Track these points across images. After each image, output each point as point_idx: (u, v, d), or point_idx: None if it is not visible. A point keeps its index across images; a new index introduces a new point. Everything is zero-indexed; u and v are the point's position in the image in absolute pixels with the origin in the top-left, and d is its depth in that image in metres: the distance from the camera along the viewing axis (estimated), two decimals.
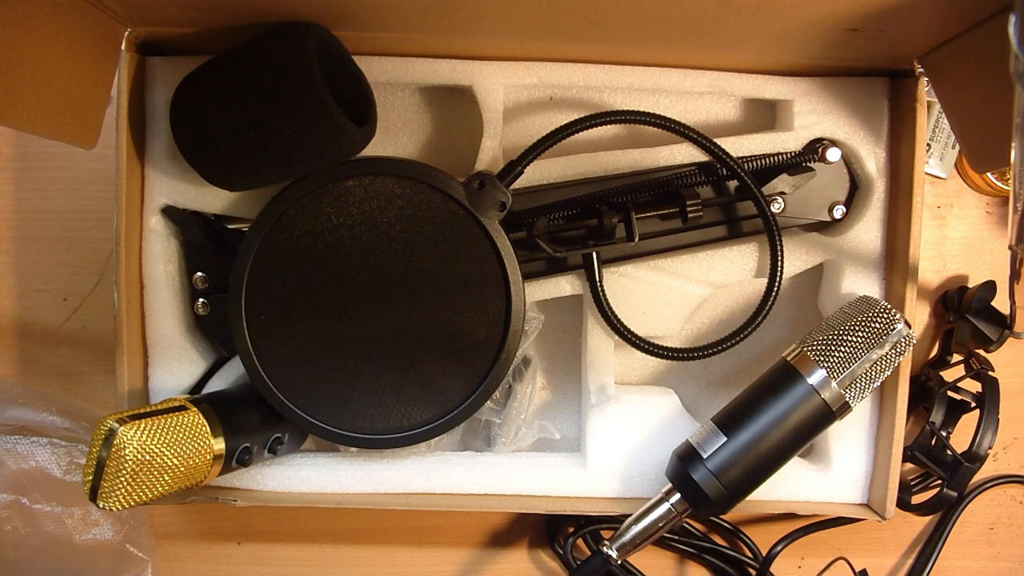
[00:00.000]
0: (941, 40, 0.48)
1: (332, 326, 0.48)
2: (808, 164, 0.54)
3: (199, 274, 0.53)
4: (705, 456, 0.48)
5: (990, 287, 0.58)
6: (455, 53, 0.52)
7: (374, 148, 0.48)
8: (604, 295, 0.52)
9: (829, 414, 0.48)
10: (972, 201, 0.63)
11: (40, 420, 0.56)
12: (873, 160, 0.54)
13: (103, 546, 0.57)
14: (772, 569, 0.58)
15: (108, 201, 0.50)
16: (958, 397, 0.58)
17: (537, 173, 0.54)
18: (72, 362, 0.60)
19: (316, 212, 0.47)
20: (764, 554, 0.59)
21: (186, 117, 0.46)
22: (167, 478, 0.41)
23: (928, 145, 0.61)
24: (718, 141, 0.50)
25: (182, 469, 0.42)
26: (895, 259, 0.54)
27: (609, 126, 0.56)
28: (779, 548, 0.58)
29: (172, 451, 0.41)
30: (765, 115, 0.58)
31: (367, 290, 0.48)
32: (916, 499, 0.58)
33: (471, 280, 0.48)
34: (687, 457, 0.49)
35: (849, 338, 0.48)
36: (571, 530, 0.59)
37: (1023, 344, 0.62)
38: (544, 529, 0.62)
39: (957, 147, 0.61)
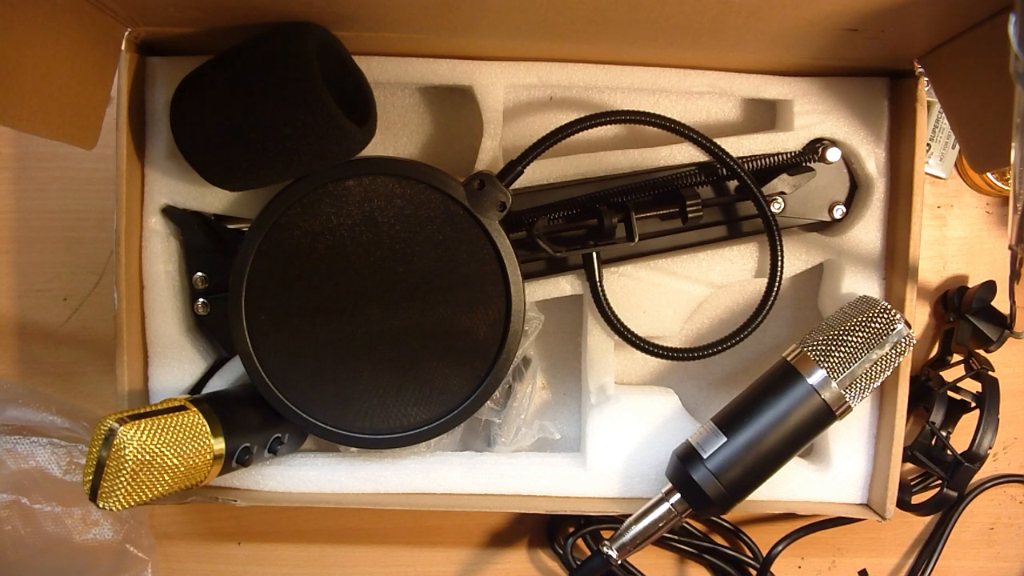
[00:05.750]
0: (941, 40, 0.48)
1: (332, 326, 0.48)
2: (808, 164, 0.54)
3: (199, 274, 0.53)
4: (705, 456, 0.48)
5: (990, 287, 0.58)
6: (455, 53, 0.52)
7: (374, 148, 0.48)
8: (604, 295, 0.52)
9: (829, 414, 0.48)
10: (972, 201, 0.63)
11: (40, 420, 0.56)
12: (873, 160, 0.54)
13: (103, 546, 0.57)
14: (772, 569, 0.58)
15: (108, 201, 0.51)
16: (958, 397, 0.58)
17: (537, 173, 0.54)
18: (72, 362, 0.60)
19: (316, 212, 0.47)
20: (764, 554, 0.59)
21: (186, 117, 0.46)
22: (167, 478, 0.41)
23: (928, 145, 0.61)
24: (718, 141, 0.50)
25: (182, 469, 0.42)
26: (895, 259, 0.54)
27: (609, 126, 0.56)
28: (779, 548, 0.58)
29: (172, 451, 0.41)
30: (765, 115, 0.58)
31: (367, 290, 0.48)
32: (916, 499, 0.58)
33: (471, 280, 0.48)
34: (687, 457, 0.49)
35: (849, 338, 0.48)
36: (571, 530, 0.59)
37: (1023, 344, 0.62)
38: (544, 529, 0.62)
39: (957, 147, 0.61)
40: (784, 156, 0.54)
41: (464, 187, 0.48)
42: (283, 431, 0.50)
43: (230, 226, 0.53)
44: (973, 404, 0.58)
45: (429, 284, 0.48)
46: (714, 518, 0.62)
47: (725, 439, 0.48)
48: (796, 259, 0.56)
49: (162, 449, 0.41)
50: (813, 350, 0.48)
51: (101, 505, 0.40)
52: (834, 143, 0.54)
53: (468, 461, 0.54)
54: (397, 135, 0.57)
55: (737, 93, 0.55)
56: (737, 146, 0.54)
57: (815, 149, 0.54)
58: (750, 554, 0.60)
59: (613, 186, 0.53)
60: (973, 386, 0.58)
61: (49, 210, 0.60)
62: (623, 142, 0.58)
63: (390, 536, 0.62)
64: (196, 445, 0.43)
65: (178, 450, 0.41)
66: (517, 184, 0.50)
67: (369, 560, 0.62)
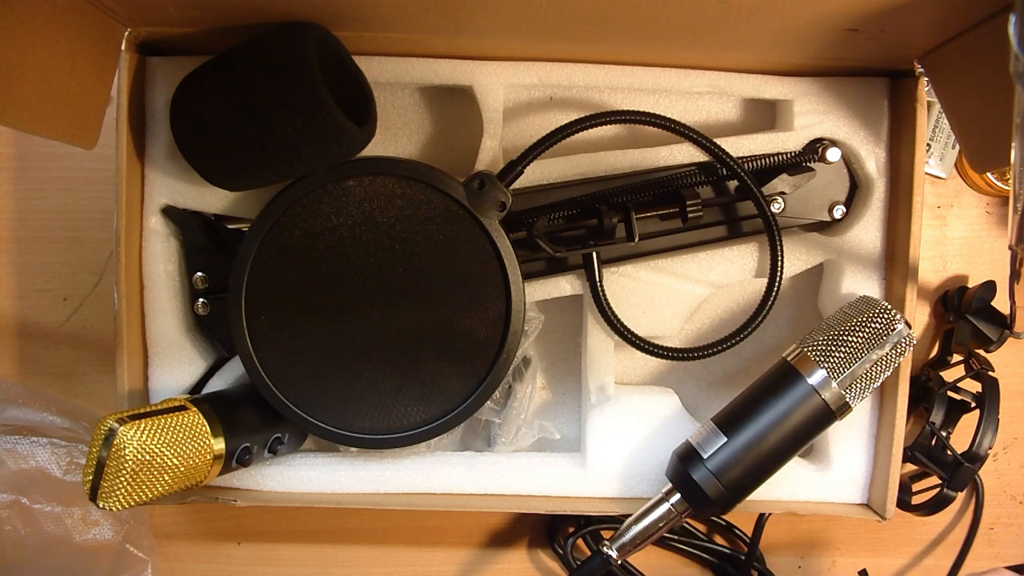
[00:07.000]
0: (941, 40, 0.48)
1: (332, 326, 0.48)
2: (808, 164, 0.54)
3: (199, 274, 0.53)
4: (705, 456, 0.48)
5: (990, 287, 0.58)
6: (455, 53, 0.52)
7: (374, 148, 0.48)
8: (604, 295, 0.52)
9: (829, 414, 0.48)
10: (972, 201, 0.63)
11: (40, 420, 0.56)
12: (873, 160, 0.54)
13: (103, 546, 0.57)
14: (772, 569, 0.58)
15: (108, 201, 0.51)
16: (958, 397, 0.58)
17: (537, 173, 0.54)
18: (72, 362, 0.60)
19: (316, 212, 0.47)
20: (764, 554, 0.59)
21: (186, 117, 0.46)
22: (167, 478, 0.41)
23: (928, 145, 0.61)
24: (718, 141, 0.50)
25: (182, 469, 0.42)
26: (895, 259, 0.54)
27: (609, 126, 0.56)
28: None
29: (172, 451, 0.41)
30: (765, 115, 0.58)
31: (367, 290, 0.48)
32: (916, 499, 0.58)
33: (471, 280, 0.48)
34: (687, 457, 0.49)
35: (849, 338, 0.48)
36: (571, 530, 0.59)
37: (1023, 344, 0.62)
38: (544, 529, 0.62)
39: (957, 147, 0.61)
40: (784, 156, 0.54)
41: (464, 187, 0.48)
42: (283, 431, 0.50)
43: (230, 226, 0.53)
44: (973, 404, 0.58)
45: (429, 284, 0.48)
46: (714, 518, 0.62)
47: (725, 439, 0.48)
48: (796, 259, 0.56)
49: (162, 449, 0.41)
50: (813, 350, 0.48)
51: (101, 505, 0.40)
52: (834, 143, 0.54)
53: (468, 461, 0.54)
54: (397, 135, 0.57)
55: (737, 93, 0.55)
56: (737, 146, 0.54)
57: (815, 149, 0.54)
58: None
59: (613, 186, 0.53)
60: (973, 386, 0.58)
61: (49, 210, 0.60)
62: (623, 142, 0.58)
63: (390, 536, 0.62)
64: (196, 445, 0.43)
65: (178, 450, 0.41)
66: (517, 184, 0.50)
67: (369, 560, 0.62)
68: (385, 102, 0.56)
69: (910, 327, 0.49)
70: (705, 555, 0.61)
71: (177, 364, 0.53)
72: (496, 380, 0.49)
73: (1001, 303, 0.58)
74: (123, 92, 0.49)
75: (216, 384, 0.53)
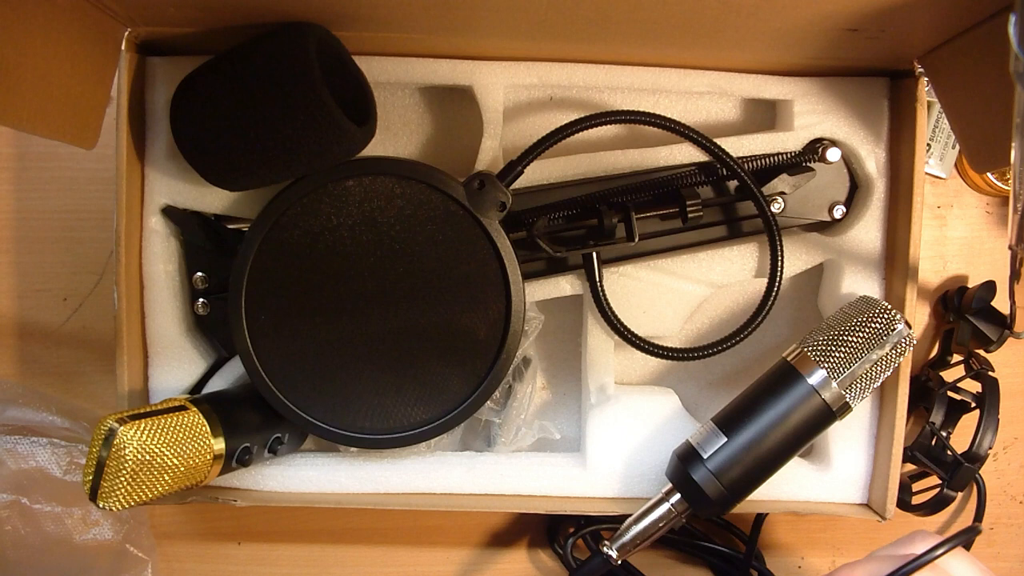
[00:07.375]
0: (941, 40, 0.48)
1: (332, 326, 0.48)
2: (808, 164, 0.54)
3: (199, 274, 0.53)
4: (705, 456, 0.48)
5: (990, 287, 0.58)
6: (455, 53, 0.52)
7: (374, 148, 0.48)
8: (604, 295, 0.52)
9: (829, 414, 0.48)
10: (972, 201, 0.63)
11: (40, 420, 0.56)
12: (873, 160, 0.54)
13: (103, 546, 0.57)
14: (772, 569, 0.58)
15: (108, 201, 0.51)
16: (958, 397, 0.58)
17: (537, 173, 0.54)
18: (72, 362, 0.60)
19: (316, 212, 0.47)
20: (764, 554, 0.59)
21: (186, 117, 0.46)
22: (167, 478, 0.41)
23: (928, 145, 0.61)
24: (718, 141, 0.50)
25: (182, 469, 0.42)
26: (895, 259, 0.54)
27: (609, 126, 0.56)
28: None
29: (172, 451, 0.41)
30: (765, 115, 0.58)
31: (367, 290, 0.48)
32: (916, 499, 0.58)
33: (471, 280, 0.48)
34: (687, 457, 0.49)
35: (849, 338, 0.48)
36: (571, 530, 0.59)
37: (1023, 344, 0.62)
38: (544, 529, 0.62)
39: (957, 147, 0.61)
40: (784, 156, 0.54)
41: (464, 187, 0.48)
42: (283, 431, 0.50)
43: (230, 226, 0.53)
44: (973, 404, 0.58)
45: (429, 284, 0.48)
46: (714, 518, 0.62)
47: (725, 439, 0.48)
48: (796, 259, 0.56)
49: (162, 449, 0.41)
50: (813, 350, 0.48)
51: (101, 505, 0.40)
52: (834, 143, 0.54)
53: (468, 461, 0.54)
54: (397, 135, 0.57)
55: (737, 93, 0.55)
56: (737, 146, 0.54)
57: (815, 149, 0.54)
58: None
59: (613, 186, 0.53)
60: (973, 386, 0.58)
61: (49, 210, 0.60)
62: (623, 142, 0.58)
63: (390, 536, 0.62)
64: (196, 445, 0.43)
65: (178, 450, 0.41)
66: (517, 184, 0.50)
67: (369, 560, 0.62)
68: (385, 102, 0.57)
69: (910, 327, 0.49)
70: (705, 555, 0.61)
71: (177, 364, 0.53)
72: (496, 380, 0.49)
73: (1001, 303, 0.58)
74: (123, 92, 0.49)
75: (216, 384, 0.53)
